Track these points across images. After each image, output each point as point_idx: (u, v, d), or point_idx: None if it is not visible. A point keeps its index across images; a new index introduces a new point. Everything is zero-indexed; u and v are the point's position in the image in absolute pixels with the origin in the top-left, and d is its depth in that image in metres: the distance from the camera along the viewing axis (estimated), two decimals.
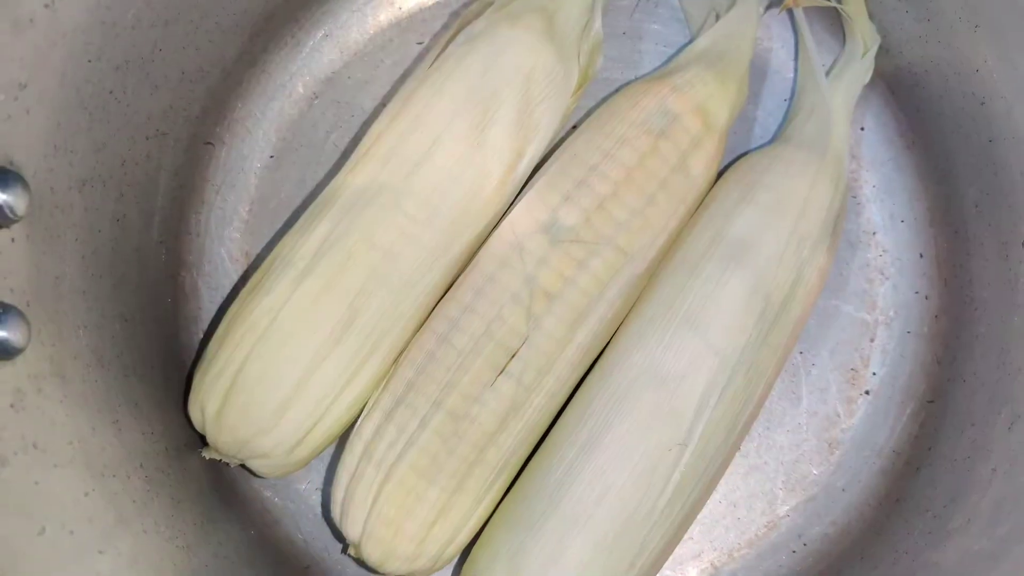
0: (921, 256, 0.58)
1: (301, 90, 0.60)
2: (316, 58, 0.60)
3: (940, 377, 0.56)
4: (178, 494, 0.50)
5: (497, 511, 0.50)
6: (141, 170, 0.53)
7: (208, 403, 0.49)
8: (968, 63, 0.51)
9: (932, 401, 0.56)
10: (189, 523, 0.50)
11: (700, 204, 0.54)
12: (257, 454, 0.49)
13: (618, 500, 0.47)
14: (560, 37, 0.53)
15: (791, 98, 0.59)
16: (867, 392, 0.57)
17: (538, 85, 0.52)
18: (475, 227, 0.51)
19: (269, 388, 0.48)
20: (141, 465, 0.48)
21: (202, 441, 0.52)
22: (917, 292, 0.58)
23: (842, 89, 0.55)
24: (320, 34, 0.60)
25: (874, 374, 0.57)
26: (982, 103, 0.51)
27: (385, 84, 0.60)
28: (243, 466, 0.52)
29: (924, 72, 0.55)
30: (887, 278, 0.58)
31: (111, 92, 0.48)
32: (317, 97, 0.60)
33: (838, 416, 0.57)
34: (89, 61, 0.45)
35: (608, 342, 0.52)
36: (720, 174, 0.55)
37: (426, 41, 0.60)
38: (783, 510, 0.56)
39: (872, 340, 0.57)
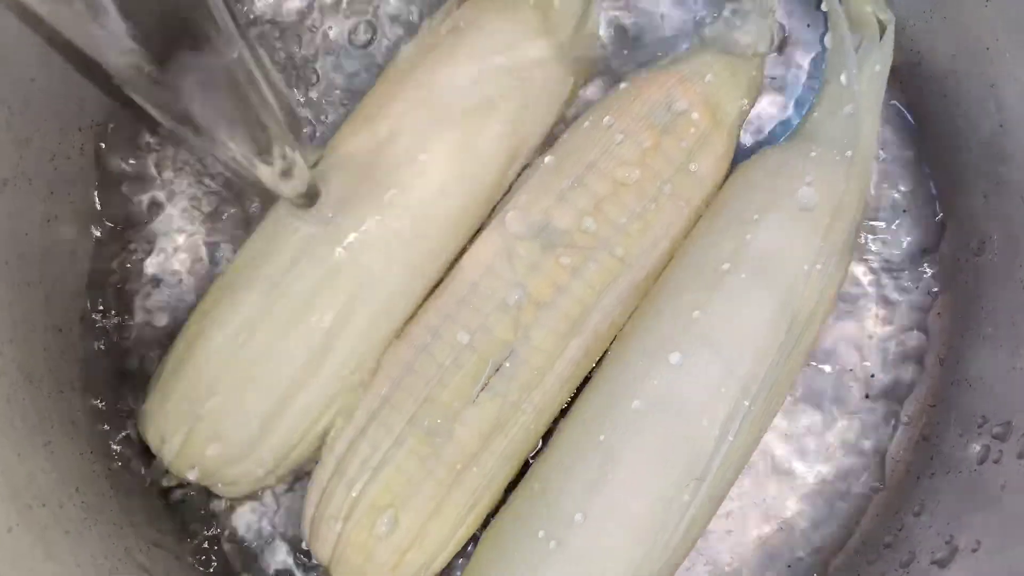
0: (925, 250, 0.56)
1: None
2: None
3: (943, 380, 0.54)
4: (121, 519, 0.48)
5: (486, 542, 0.47)
6: (74, 165, 0.51)
7: (171, 433, 0.47)
8: (977, 40, 0.48)
9: (934, 405, 0.54)
10: (135, 552, 0.47)
11: (707, 206, 0.51)
12: (223, 481, 0.48)
13: (630, 541, 0.45)
14: (556, 31, 0.50)
15: (802, 90, 0.56)
16: (867, 395, 0.55)
17: (534, 85, 0.49)
18: (464, 238, 0.49)
19: (240, 420, 0.46)
20: (77, 490, 0.46)
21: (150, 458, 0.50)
22: (920, 287, 0.56)
23: (868, 79, 0.52)
24: None
25: (873, 376, 0.55)
26: (992, 85, 0.49)
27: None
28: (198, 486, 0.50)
29: (928, 50, 0.53)
30: (889, 272, 0.56)
31: (32, 80, 0.46)
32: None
33: (835, 419, 0.55)
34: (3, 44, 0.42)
35: (604, 356, 0.50)
36: (727, 173, 0.52)
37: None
38: (778, 521, 0.54)
39: (871, 338, 0.55)
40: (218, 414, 0.46)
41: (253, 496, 0.52)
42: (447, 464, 0.46)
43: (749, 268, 0.47)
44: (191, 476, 0.47)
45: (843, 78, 0.52)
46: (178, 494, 0.53)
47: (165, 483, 0.49)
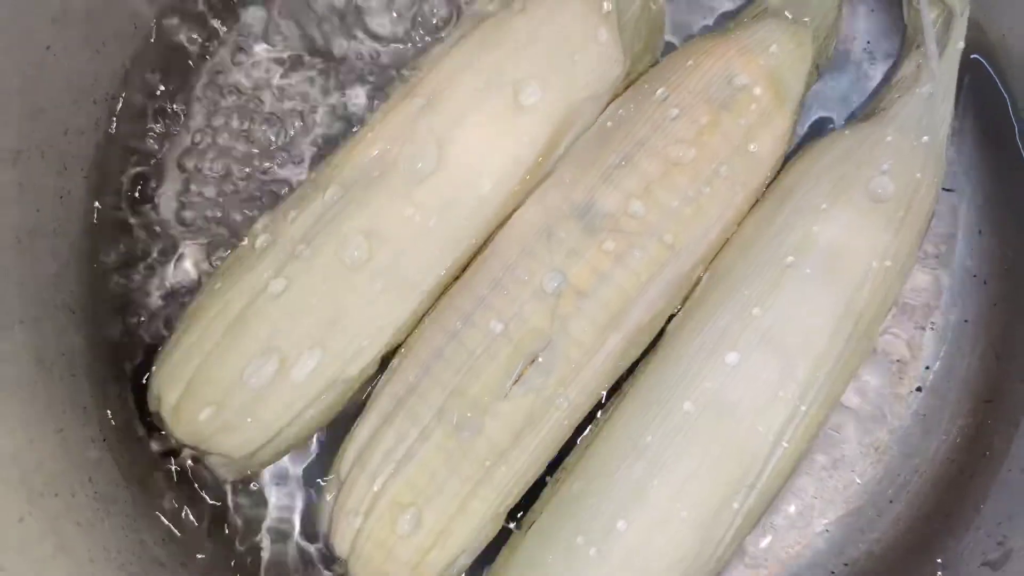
0: (980, 233, 0.54)
1: (277, 36, 0.55)
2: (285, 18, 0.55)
3: (998, 374, 0.53)
4: (135, 511, 0.47)
5: (519, 545, 0.46)
6: (87, 139, 0.50)
7: (167, 390, 0.45)
8: None
9: (990, 401, 0.53)
10: (150, 545, 0.46)
11: (764, 190, 0.49)
12: (215, 451, 0.46)
13: (676, 552, 0.43)
14: (616, 12, 0.48)
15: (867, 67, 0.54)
16: (919, 388, 0.53)
17: (584, 68, 0.47)
18: (495, 222, 0.47)
19: (237, 383, 0.44)
20: (90, 479, 0.45)
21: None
22: (975, 275, 0.54)
23: (945, 59, 0.49)
24: None
25: (927, 368, 0.53)
26: None
27: (380, 38, 0.55)
28: (198, 462, 0.49)
29: (981, 33, 0.51)
30: (940, 257, 0.54)
31: (48, 48, 0.45)
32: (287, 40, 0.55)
33: (884, 416, 0.53)
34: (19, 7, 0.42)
35: (650, 350, 0.48)
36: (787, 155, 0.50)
37: None
38: (820, 524, 0.53)
39: (924, 329, 0.53)
40: (213, 378, 0.45)
41: (270, 487, 0.51)
42: (475, 461, 0.44)
43: (815, 263, 0.45)
44: (184, 436, 0.46)
45: (922, 56, 0.50)
46: (195, 483, 0.52)
47: (160, 446, 0.48)
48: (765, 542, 0.52)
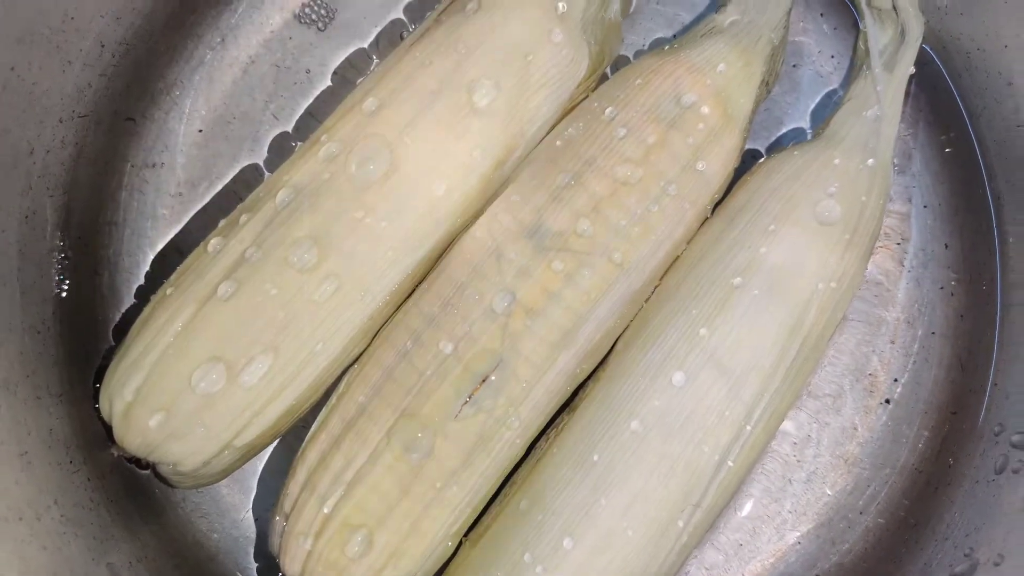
0: (947, 247, 0.55)
1: (234, 52, 0.56)
2: (252, 16, 0.55)
3: (963, 385, 0.53)
4: (102, 534, 0.47)
5: (466, 561, 0.46)
6: (54, 158, 0.50)
7: (116, 398, 0.45)
8: (995, 38, 0.48)
9: (955, 412, 0.53)
10: (117, 568, 0.46)
11: (712, 208, 0.49)
12: (166, 460, 0.46)
13: (621, 570, 0.43)
14: (571, 15, 0.48)
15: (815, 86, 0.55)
16: (887, 401, 0.54)
17: (539, 69, 0.47)
18: (448, 228, 0.47)
19: (186, 389, 0.44)
20: (56, 502, 0.45)
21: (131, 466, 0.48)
22: (943, 287, 0.54)
23: (893, 83, 0.50)
24: None
25: (895, 380, 0.54)
26: (1009, 83, 0.48)
27: (335, 46, 0.56)
28: (155, 474, 0.49)
29: (942, 48, 0.52)
30: (909, 271, 0.54)
31: (12, 69, 0.45)
32: (253, 61, 0.56)
33: (855, 428, 0.54)
34: None
35: (599, 369, 0.48)
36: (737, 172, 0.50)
37: None
38: (792, 537, 0.53)
39: (893, 342, 0.54)
40: (162, 384, 0.44)
41: (232, 509, 0.51)
42: (426, 482, 0.44)
43: (762, 284, 0.46)
44: (134, 443, 0.45)
45: (869, 78, 0.50)
46: (155, 504, 0.52)
47: (114, 452, 0.47)
48: (738, 556, 0.53)
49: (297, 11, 0.56)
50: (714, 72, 0.49)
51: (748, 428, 0.45)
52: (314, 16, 0.56)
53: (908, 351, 0.54)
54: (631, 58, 0.56)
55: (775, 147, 0.55)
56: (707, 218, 0.49)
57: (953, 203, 0.55)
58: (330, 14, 0.56)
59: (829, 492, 0.53)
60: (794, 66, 0.56)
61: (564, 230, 0.46)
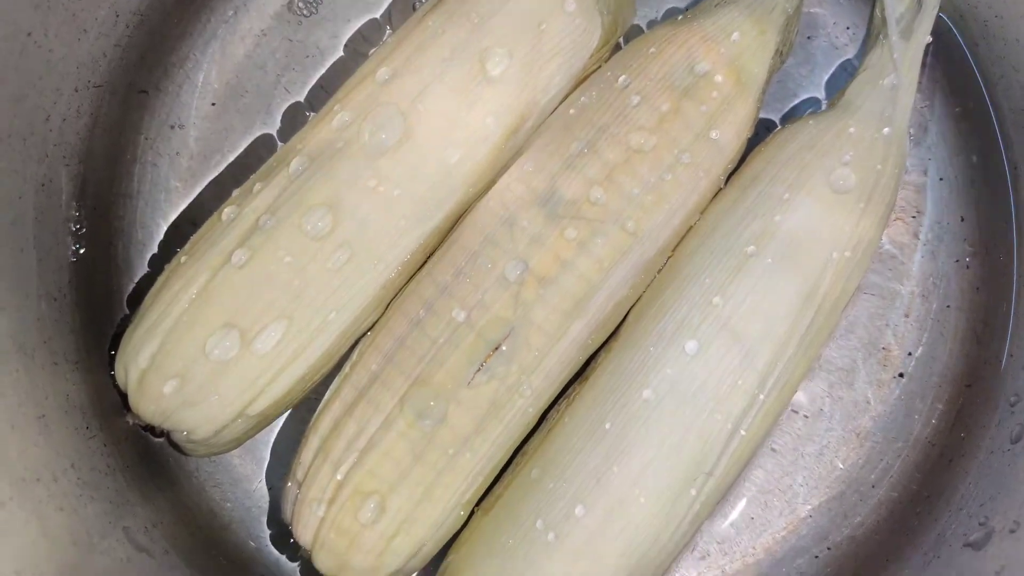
0: (963, 219, 0.54)
1: (247, 25, 0.56)
2: None
3: (978, 358, 0.53)
4: (119, 498, 0.47)
5: (478, 529, 0.46)
6: (70, 127, 0.50)
7: (131, 365, 0.45)
8: (1013, 5, 0.47)
9: (969, 385, 0.53)
10: (133, 532, 0.47)
11: (726, 177, 0.49)
12: (180, 427, 0.46)
13: (634, 537, 0.44)
14: None
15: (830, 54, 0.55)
16: (901, 375, 0.54)
17: (552, 38, 0.48)
18: (461, 197, 0.47)
19: (200, 356, 0.44)
20: (73, 465, 0.45)
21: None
22: (957, 260, 0.54)
23: (910, 51, 0.50)
24: None
25: (909, 354, 0.54)
26: None
27: (347, 17, 0.56)
28: (169, 442, 0.49)
29: (959, 16, 0.52)
30: (924, 243, 0.54)
31: (29, 34, 0.45)
32: (265, 34, 0.56)
33: (868, 402, 0.54)
34: None
35: (612, 338, 0.48)
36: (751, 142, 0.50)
37: None
38: (805, 510, 0.53)
39: (907, 315, 0.54)
40: (176, 351, 0.45)
41: (244, 480, 0.52)
42: (438, 448, 0.44)
43: (776, 252, 0.46)
44: (149, 410, 0.46)
45: (886, 47, 0.50)
46: (171, 472, 0.52)
47: (129, 420, 0.47)
48: (750, 529, 0.53)
49: None
50: (728, 41, 0.49)
51: (761, 397, 0.45)
52: None
53: (923, 324, 0.54)
54: (644, 29, 0.55)
55: (789, 117, 0.55)
56: (720, 188, 0.49)
57: (969, 175, 0.54)
58: None
59: (841, 465, 0.53)
60: (808, 37, 0.55)
61: (577, 198, 0.46)
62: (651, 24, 0.56)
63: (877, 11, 0.52)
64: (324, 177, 0.46)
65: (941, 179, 0.55)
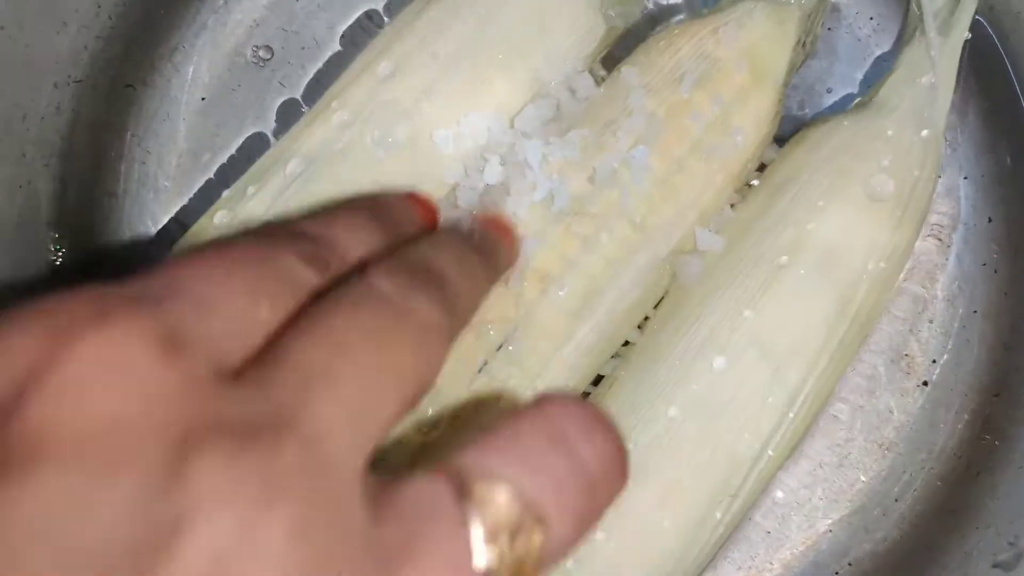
0: (990, 220, 0.53)
1: (238, 16, 0.54)
2: None
3: (1006, 365, 0.52)
4: None
5: None
6: (49, 125, 0.49)
7: None
8: None
9: (997, 394, 0.52)
10: None
11: (747, 175, 0.48)
12: None
13: (656, 563, 0.43)
14: None
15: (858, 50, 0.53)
16: (925, 383, 0.52)
17: (558, 31, 0.47)
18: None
19: None
20: None
21: None
22: (985, 264, 0.53)
23: (948, 49, 0.49)
24: None
25: (934, 361, 0.52)
26: None
27: (344, 8, 0.54)
28: None
29: (989, 10, 0.51)
30: (949, 246, 0.53)
31: (2, 28, 0.45)
32: (258, 25, 0.54)
33: (890, 412, 0.52)
34: None
35: (628, 349, 0.47)
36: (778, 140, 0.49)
37: None
38: (824, 525, 0.52)
39: (932, 321, 0.52)
40: None
41: None
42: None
43: (809, 263, 0.45)
44: None
45: (923, 43, 0.49)
46: None
47: None
48: (766, 543, 0.52)
49: None
50: (743, 32, 0.47)
51: (791, 415, 0.44)
52: None
53: (948, 331, 0.53)
54: (650, 26, 0.54)
55: (812, 114, 0.54)
56: (742, 185, 0.49)
57: (997, 174, 0.53)
58: None
59: (863, 478, 0.52)
60: (829, 29, 0.54)
61: (581, 192, 0.45)
62: (659, 23, 0.54)
63: (913, 5, 0.51)
64: (324, 180, 0.45)
65: (966, 178, 0.53)
